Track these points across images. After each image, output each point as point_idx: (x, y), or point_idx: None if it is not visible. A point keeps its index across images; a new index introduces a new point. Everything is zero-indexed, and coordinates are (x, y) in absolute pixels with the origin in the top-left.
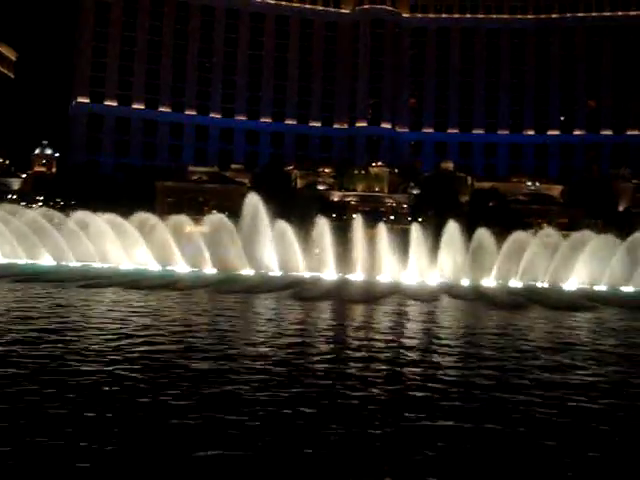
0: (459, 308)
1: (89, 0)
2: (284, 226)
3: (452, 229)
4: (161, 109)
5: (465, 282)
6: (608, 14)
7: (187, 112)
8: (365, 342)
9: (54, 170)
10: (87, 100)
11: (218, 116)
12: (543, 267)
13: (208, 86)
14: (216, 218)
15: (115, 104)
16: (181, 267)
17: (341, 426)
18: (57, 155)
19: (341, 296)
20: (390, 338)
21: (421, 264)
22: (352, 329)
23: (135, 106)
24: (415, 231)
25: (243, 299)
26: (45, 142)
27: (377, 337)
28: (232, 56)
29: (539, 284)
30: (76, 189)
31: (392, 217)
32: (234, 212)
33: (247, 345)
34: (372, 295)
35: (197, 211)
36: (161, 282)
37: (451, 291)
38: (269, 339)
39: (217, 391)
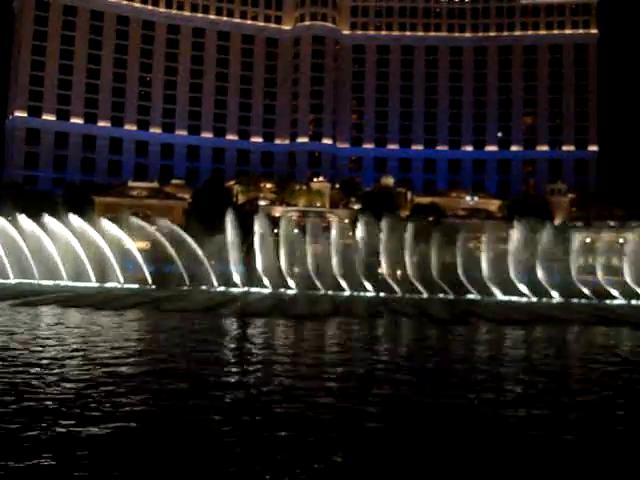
0: None
1: (27, 13)
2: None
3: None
4: (100, 124)
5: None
6: (544, 33)
7: (127, 127)
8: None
9: None
10: (24, 114)
11: (158, 131)
12: None
13: (148, 101)
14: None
15: (53, 118)
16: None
17: None
18: None
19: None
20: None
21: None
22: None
23: (74, 120)
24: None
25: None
26: None
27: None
28: (173, 71)
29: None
30: (13, 205)
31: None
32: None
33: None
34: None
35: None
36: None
37: None
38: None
39: None
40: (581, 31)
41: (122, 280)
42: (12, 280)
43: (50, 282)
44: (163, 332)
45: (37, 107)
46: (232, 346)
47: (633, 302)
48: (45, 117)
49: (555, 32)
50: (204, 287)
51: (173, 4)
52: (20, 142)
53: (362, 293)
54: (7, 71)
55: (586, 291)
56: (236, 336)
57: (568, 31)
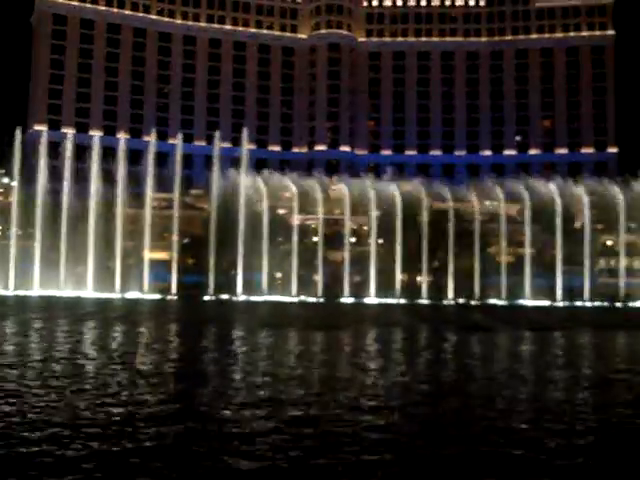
0: None
1: (44, 27)
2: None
3: None
4: (119, 136)
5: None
6: (560, 35)
7: (145, 138)
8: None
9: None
10: (44, 127)
11: (177, 142)
12: None
13: (166, 112)
14: None
15: (72, 131)
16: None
17: None
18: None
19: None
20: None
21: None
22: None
23: (93, 133)
24: None
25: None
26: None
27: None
28: (190, 82)
29: None
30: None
31: (353, 239)
32: (196, 238)
33: None
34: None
35: (158, 238)
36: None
37: None
38: None
39: None
40: (597, 33)
41: (145, 290)
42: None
43: (74, 293)
44: None
45: (56, 120)
46: None
47: None
48: (64, 130)
49: (571, 34)
50: (226, 296)
51: (189, 16)
52: (41, 155)
53: (383, 300)
54: (26, 86)
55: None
56: None
57: (584, 33)
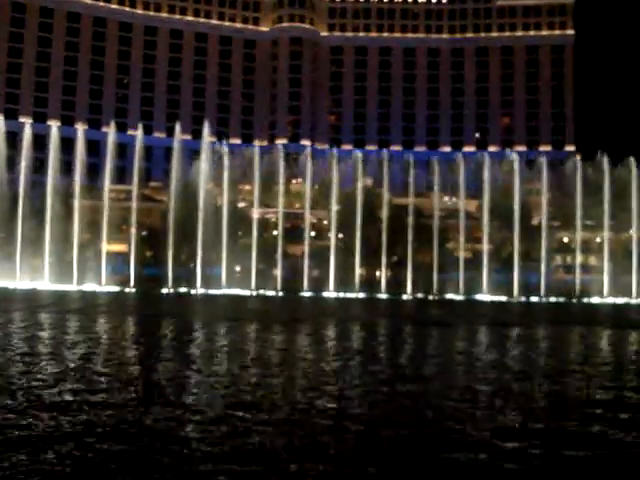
0: None
1: (2, 15)
2: None
3: None
4: (77, 126)
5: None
6: (520, 34)
7: (104, 129)
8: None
9: None
10: (0, 117)
11: (136, 133)
12: None
13: (126, 103)
14: None
15: (30, 121)
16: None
17: None
18: None
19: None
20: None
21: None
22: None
23: (50, 122)
24: None
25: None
26: None
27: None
28: (150, 73)
29: None
30: None
31: (313, 233)
32: (154, 230)
33: None
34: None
35: (116, 230)
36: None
37: None
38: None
39: None
40: (557, 32)
41: (103, 282)
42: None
43: (30, 284)
44: None
45: (13, 109)
46: None
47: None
48: (22, 119)
49: (532, 33)
50: (185, 289)
51: (150, 6)
52: None
53: (342, 294)
54: None
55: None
56: None
57: (545, 32)
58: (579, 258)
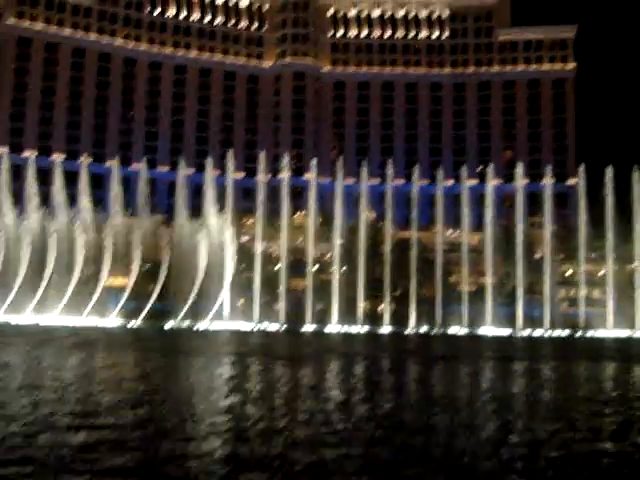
0: None
1: (9, 48)
2: None
3: None
4: (81, 160)
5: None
6: (522, 68)
7: (108, 163)
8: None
9: None
10: (5, 149)
11: (140, 167)
12: None
13: (130, 137)
14: None
15: (35, 155)
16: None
17: None
18: None
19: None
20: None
21: None
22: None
23: (55, 157)
24: None
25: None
26: None
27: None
28: (154, 108)
29: None
30: None
31: (316, 267)
32: (157, 264)
33: None
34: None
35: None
36: None
37: None
38: None
39: None
40: (559, 66)
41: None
42: None
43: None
44: None
45: (18, 143)
46: None
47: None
48: (26, 154)
49: (533, 67)
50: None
51: (155, 41)
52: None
53: (346, 328)
54: None
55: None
56: None
57: (546, 66)
58: (583, 291)
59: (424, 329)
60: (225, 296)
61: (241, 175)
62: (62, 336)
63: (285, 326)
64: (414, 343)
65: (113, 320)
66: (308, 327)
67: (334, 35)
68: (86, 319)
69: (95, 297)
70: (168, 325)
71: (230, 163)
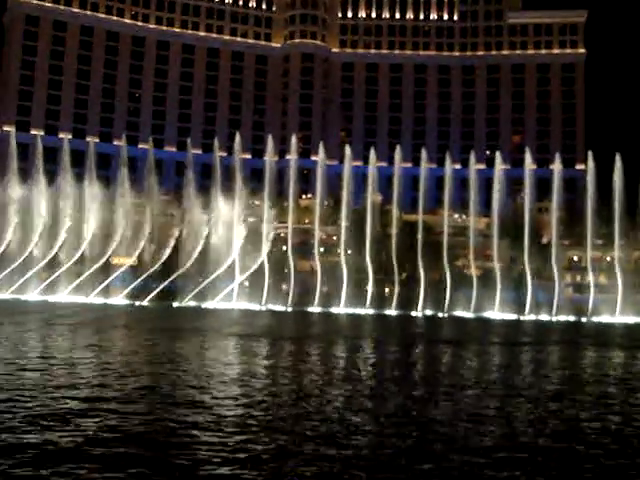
0: None
1: (16, 28)
2: None
3: None
4: (89, 139)
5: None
6: (531, 52)
7: (115, 143)
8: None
9: None
10: (13, 129)
11: (147, 147)
12: None
13: (137, 117)
14: None
15: (42, 133)
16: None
17: None
18: None
19: None
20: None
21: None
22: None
23: (62, 136)
24: None
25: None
26: None
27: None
28: (162, 87)
29: None
30: None
31: (322, 249)
32: (163, 244)
33: None
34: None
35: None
36: None
37: None
38: None
39: None
40: (569, 50)
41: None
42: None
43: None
44: None
45: (25, 122)
46: None
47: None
48: (33, 132)
49: (543, 52)
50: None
51: (163, 20)
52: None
53: (352, 310)
54: None
55: None
56: None
57: (556, 50)
58: (590, 277)
59: (429, 312)
60: (234, 277)
61: (249, 156)
62: (71, 314)
63: (291, 307)
64: (420, 326)
65: (121, 299)
66: (314, 309)
67: (343, 16)
68: (95, 297)
69: (104, 276)
70: (175, 304)
71: (237, 144)
